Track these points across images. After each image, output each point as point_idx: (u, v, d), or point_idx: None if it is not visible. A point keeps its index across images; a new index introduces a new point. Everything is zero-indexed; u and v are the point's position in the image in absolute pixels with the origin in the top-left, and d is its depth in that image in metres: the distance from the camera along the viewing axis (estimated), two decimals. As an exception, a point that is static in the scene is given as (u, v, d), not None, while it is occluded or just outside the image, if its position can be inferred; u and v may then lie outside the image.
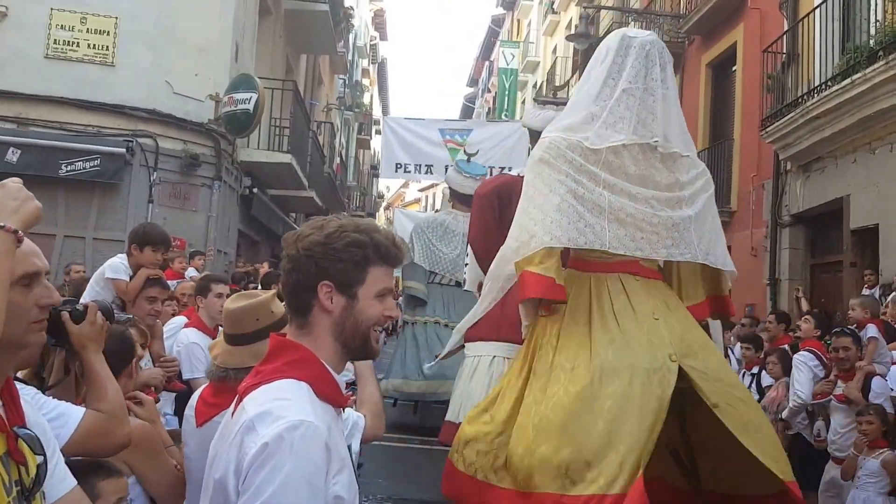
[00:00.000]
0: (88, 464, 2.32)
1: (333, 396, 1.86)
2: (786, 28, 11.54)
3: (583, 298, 3.75)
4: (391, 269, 1.93)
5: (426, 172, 16.85)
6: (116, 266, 5.28)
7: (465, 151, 12.87)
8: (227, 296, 5.53)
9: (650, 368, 3.47)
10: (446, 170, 17.05)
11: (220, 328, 5.60)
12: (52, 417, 2.16)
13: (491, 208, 5.10)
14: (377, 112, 46.34)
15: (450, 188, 8.46)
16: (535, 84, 34.38)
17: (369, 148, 45.86)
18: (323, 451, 1.70)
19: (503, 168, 12.45)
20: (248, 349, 2.78)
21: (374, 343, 1.92)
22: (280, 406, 1.72)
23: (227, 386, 2.75)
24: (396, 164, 16.83)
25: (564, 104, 4.76)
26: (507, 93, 35.46)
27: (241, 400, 1.83)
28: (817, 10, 10.39)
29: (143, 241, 5.46)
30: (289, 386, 1.79)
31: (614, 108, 3.73)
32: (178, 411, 4.42)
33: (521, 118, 30.32)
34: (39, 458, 1.74)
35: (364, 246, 1.84)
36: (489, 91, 44.51)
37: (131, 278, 5.16)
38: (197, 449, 2.77)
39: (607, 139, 3.69)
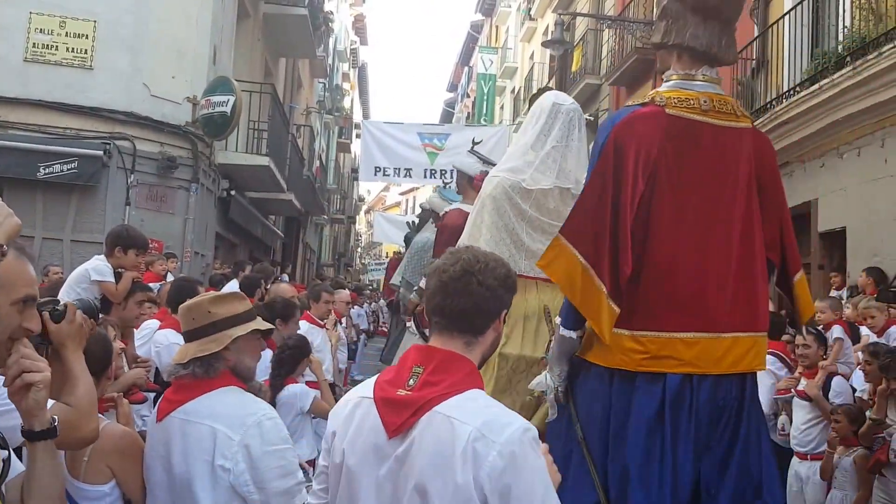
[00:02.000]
0: None
1: None
2: (756, 34, 11.72)
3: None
4: None
5: (405, 176, 16.94)
6: (101, 269, 5.33)
7: (441, 179, 12.99)
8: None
9: (530, 360, 4.23)
10: (425, 174, 17.17)
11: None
12: None
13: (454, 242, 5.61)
14: (358, 116, 46.32)
15: (433, 211, 8.69)
16: (514, 89, 34.53)
17: (350, 151, 45.84)
18: None
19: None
20: (187, 346, 2.89)
21: None
22: (496, 413, 1.97)
23: (185, 384, 2.84)
24: (376, 168, 16.89)
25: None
26: (485, 98, 35.57)
27: (425, 409, 1.97)
28: (787, 17, 10.52)
29: (127, 244, 5.54)
30: (481, 394, 2.05)
31: (544, 159, 4.53)
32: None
33: (500, 123, 30.50)
34: (3, 453, 1.83)
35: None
36: (468, 96, 44.59)
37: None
38: (156, 443, 2.85)
39: (539, 182, 4.46)
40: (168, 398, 2.88)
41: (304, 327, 6.96)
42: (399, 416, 2.00)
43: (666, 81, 3.39)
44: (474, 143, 11.56)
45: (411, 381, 2.04)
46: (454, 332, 2.09)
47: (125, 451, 2.86)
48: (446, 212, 6.50)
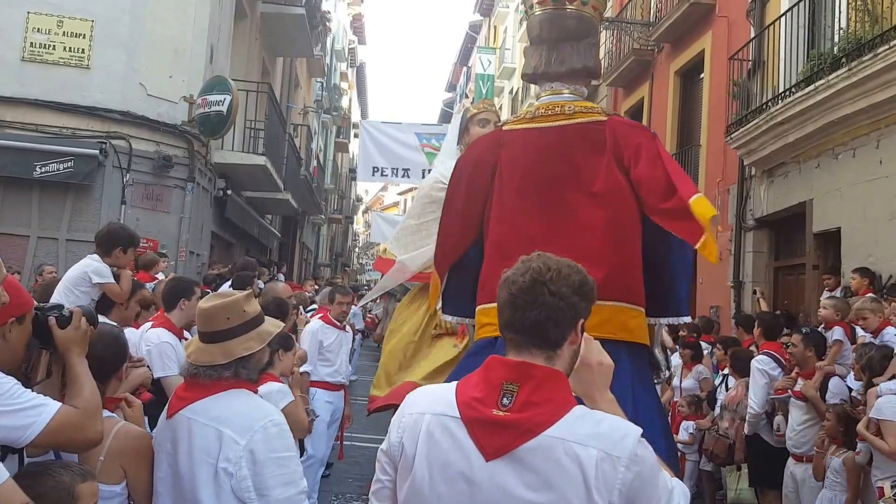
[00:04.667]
0: (68, 465, 2.44)
1: None
2: (752, 35, 11.74)
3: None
4: None
5: (403, 176, 16.90)
6: (101, 271, 5.34)
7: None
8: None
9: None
10: (423, 174, 17.14)
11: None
12: (28, 406, 2.26)
13: None
14: (356, 116, 46.33)
15: None
16: (511, 90, 34.54)
17: (347, 151, 45.80)
18: None
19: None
20: (218, 347, 2.84)
21: None
22: (610, 427, 1.89)
23: (199, 382, 2.85)
24: (373, 168, 16.87)
25: None
26: (483, 98, 35.56)
27: (533, 433, 1.87)
28: (783, 18, 10.52)
29: (128, 244, 5.57)
30: (585, 410, 1.95)
31: None
32: (147, 412, 4.48)
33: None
34: None
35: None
36: (467, 96, 44.56)
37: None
38: (164, 439, 2.86)
39: None
40: (179, 395, 2.90)
41: (315, 326, 6.99)
42: (499, 438, 1.88)
43: None
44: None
45: (505, 401, 1.91)
46: (532, 348, 1.97)
47: (140, 452, 2.88)
48: None
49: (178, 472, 2.78)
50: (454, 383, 2.06)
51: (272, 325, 3.02)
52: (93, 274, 5.31)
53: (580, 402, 1.97)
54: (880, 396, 5.19)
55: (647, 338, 4.19)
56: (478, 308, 4.15)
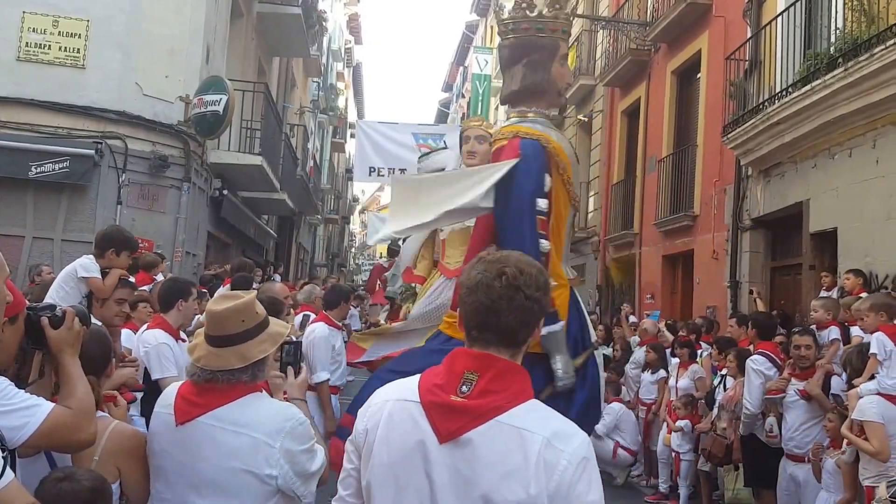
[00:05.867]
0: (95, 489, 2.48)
1: None
2: (749, 35, 11.74)
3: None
4: None
5: (399, 176, 16.86)
6: (88, 265, 5.35)
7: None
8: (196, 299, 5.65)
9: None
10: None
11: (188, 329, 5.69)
12: (22, 407, 2.26)
13: None
14: (352, 116, 46.28)
15: None
16: (509, 89, 34.45)
17: (344, 151, 45.74)
18: None
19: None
20: (233, 351, 2.77)
21: None
22: (561, 424, 1.99)
23: (215, 387, 2.77)
24: (370, 168, 16.82)
25: None
26: (480, 98, 35.51)
27: (486, 418, 1.96)
28: (780, 18, 10.52)
29: (122, 246, 5.57)
30: (540, 405, 2.04)
31: None
32: (144, 413, 4.45)
33: (494, 123, 30.46)
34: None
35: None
36: (463, 96, 44.58)
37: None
38: (173, 446, 2.77)
39: None
40: (193, 401, 2.78)
41: (325, 331, 6.95)
42: (454, 422, 1.97)
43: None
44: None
45: (465, 388, 2.00)
46: (500, 348, 2.05)
47: (134, 451, 2.85)
48: None
49: (193, 480, 2.72)
50: (419, 375, 2.15)
51: (280, 326, 3.00)
52: (79, 268, 5.32)
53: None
54: (861, 398, 5.21)
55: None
56: None
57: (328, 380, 6.64)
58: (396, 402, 2.09)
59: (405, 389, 2.11)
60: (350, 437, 2.18)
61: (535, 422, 1.95)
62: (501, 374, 2.01)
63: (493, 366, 2.01)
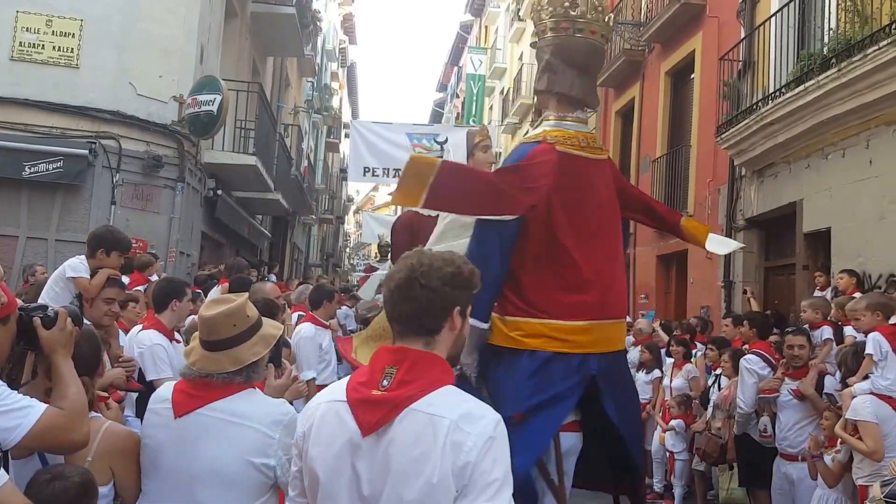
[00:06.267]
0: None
1: None
2: (742, 36, 11.76)
3: None
4: None
5: (394, 176, 16.84)
6: (76, 265, 5.34)
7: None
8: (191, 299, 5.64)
9: None
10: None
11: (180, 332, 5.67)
12: (14, 408, 2.26)
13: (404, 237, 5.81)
14: (346, 116, 46.25)
15: None
16: (503, 90, 34.55)
17: (338, 151, 45.78)
18: None
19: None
20: (226, 354, 2.83)
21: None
22: (472, 406, 2.09)
23: (211, 382, 2.83)
24: (364, 168, 16.84)
25: None
26: (475, 98, 35.53)
27: (401, 407, 2.07)
28: (773, 19, 10.55)
29: (111, 246, 5.53)
30: (455, 390, 2.14)
31: None
32: (139, 413, 4.43)
33: (489, 123, 30.51)
34: None
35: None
36: (458, 96, 44.60)
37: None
38: (171, 440, 2.81)
39: None
40: (192, 394, 2.85)
41: (311, 331, 6.95)
42: (373, 414, 2.08)
43: (546, 121, 4.40)
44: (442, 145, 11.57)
45: (385, 382, 2.12)
46: (411, 336, 2.18)
47: (128, 451, 2.85)
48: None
49: (193, 471, 2.76)
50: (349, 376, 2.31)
51: (272, 328, 3.04)
52: (68, 268, 5.33)
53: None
54: (855, 397, 5.22)
55: None
56: (517, 319, 4.13)
57: (314, 378, 6.64)
58: (327, 403, 2.21)
59: (336, 391, 2.24)
60: (293, 441, 2.34)
61: (445, 406, 2.05)
62: (416, 364, 2.13)
63: (407, 357, 2.14)
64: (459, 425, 2.00)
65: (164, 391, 2.94)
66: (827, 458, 5.57)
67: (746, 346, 7.34)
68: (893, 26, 7.67)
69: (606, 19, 4.59)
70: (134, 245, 10.99)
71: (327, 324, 7.30)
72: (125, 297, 5.47)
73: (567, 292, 4.07)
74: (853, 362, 5.54)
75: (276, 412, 2.85)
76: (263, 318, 3.03)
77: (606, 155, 4.56)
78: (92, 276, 5.23)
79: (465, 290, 2.23)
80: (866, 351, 5.38)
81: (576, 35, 4.35)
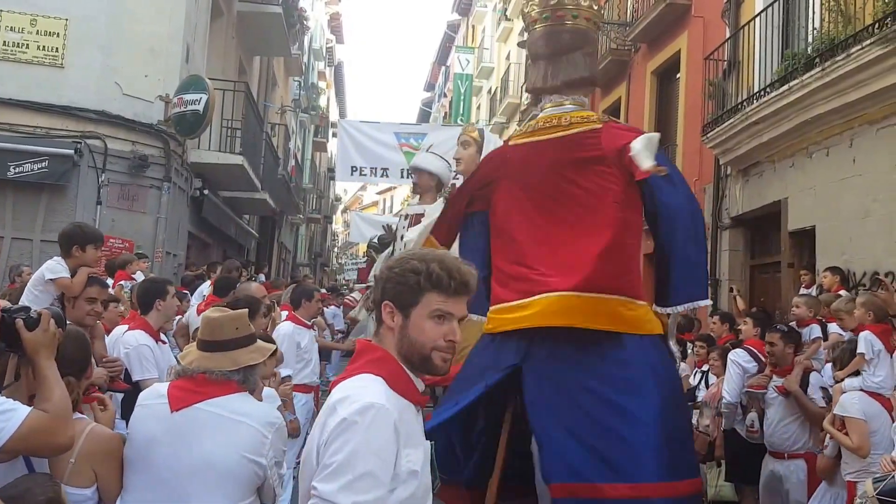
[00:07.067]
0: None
1: (408, 393, 2.18)
2: (727, 35, 11.82)
3: None
4: (451, 297, 2.18)
5: (382, 176, 16.85)
6: (54, 267, 5.26)
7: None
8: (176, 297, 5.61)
9: None
10: (402, 174, 17.13)
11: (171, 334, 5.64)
12: None
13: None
14: (334, 115, 46.16)
15: None
16: (490, 89, 34.57)
17: (326, 151, 45.67)
18: (392, 429, 2.02)
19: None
20: (224, 355, 2.96)
21: (437, 362, 2.17)
22: (357, 393, 2.07)
23: (210, 378, 2.93)
24: (352, 168, 16.79)
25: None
26: (462, 98, 35.55)
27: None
28: (758, 18, 10.60)
29: (84, 241, 5.45)
30: (368, 379, 2.14)
31: None
32: (125, 415, 4.41)
33: (476, 122, 30.51)
34: None
35: (418, 272, 2.15)
36: (445, 96, 44.59)
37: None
38: (165, 434, 2.84)
39: None
40: (189, 389, 2.92)
41: (289, 329, 6.92)
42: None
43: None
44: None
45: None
46: (376, 327, 2.31)
47: (111, 453, 2.85)
48: None
49: (186, 463, 2.79)
50: None
51: (265, 346, 3.20)
52: (46, 271, 5.25)
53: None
54: (844, 393, 5.25)
55: (658, 328, 4.61)
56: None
57: (290, 377, 6.62)
58: None
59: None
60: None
61: (339, 390, 2.12)
62: (359, 353, 2.24)
63: (362, 346, 2.27)
64: (336, 407, 2.05)
65: (159, 388, 3.01)
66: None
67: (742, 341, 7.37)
68: (876, 26, 7.73)
69: (596, 7, 4.87)
70: (120, 245, 10.97)
71: (309, 323, 7.27)
72: (107, 297, 5.44)
73: (510, 267, 4.41)
74: (848, 361, 5.55)
75: (270, 414, 2.98)
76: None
77: (575, 129, 4.58)
78: (73, 274, 5.17)
79: (400, 286, 2.17)
80: (858, 350, 5.40)
81: (565, 23, 4.67)
